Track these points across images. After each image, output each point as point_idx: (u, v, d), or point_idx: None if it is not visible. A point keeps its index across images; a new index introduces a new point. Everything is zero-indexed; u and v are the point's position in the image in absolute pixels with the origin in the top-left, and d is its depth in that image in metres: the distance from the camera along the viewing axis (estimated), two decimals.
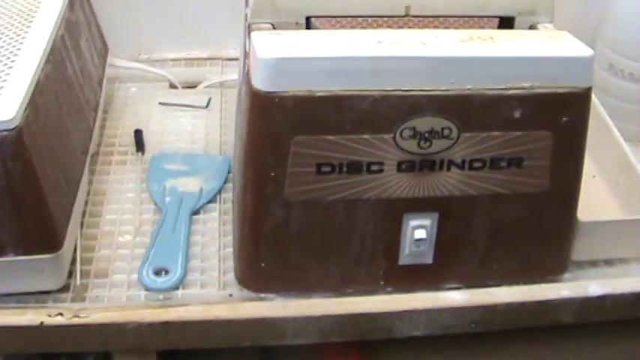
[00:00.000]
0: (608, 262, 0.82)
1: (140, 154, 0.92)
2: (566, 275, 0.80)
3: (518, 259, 0.77)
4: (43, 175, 0.70)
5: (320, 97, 0.67)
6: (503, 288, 0.78)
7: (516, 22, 0.78)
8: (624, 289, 0.79)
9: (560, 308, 0.78)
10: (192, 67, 1.07)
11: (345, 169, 0.70)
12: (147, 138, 0.95)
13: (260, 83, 0.67)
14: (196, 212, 0.85)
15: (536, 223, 0.76)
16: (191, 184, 0.87)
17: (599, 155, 0.91)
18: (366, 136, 0.69)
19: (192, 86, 1.04)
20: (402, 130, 0.69)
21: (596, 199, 0.87)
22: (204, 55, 1.07)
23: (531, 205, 0.74)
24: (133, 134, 0.95)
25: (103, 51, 0.96)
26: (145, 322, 0.74)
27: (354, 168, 0.70)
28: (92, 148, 0.89)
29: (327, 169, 0.70)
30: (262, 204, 0.72)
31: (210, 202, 0.87)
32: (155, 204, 0.86)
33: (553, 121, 0.71)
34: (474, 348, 0.88)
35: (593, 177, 0.90)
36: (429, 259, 0.76)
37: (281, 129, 0.68)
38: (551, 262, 0.79)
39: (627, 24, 0.92)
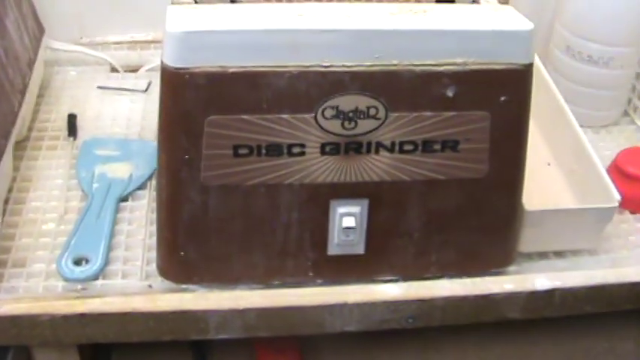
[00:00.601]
0: (559, 254, 0.78)
1: (72, 139, 0.88)
2: (513, 268, 0.76)
3: (458, 250, 0.72)
4: None
5: (233, 73, 0.62)
6: (443, 281, 0.73)
7: None
8: (574, 282, 0.74)
9: (505, 303, 0.73)
10: (135, 51, 1.02)
11: (264, 151, 0.65)
12: (82, 123, 0.90)
13: (169, 59, 0.62)
14: (125, 199, 0.81)
15: (477, 212, 0.71)
16: (121, 170, 0.83)
17: (554, 142, 0.86)
18: (284, 116, 0.64)
19: (134, 70, 1.00)
20: (323, 110, 0.64)
21: (550, 188, 0.82)
22: (149, 38, 1.02)
23: (470, 191, 0.70)
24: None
25: (37, 32, 0.92)
26: (60, 314, 0.69)
27: (274, 150, 0.65)
28: (19, 132, 0.84)
29: (245, 151, 0.65)
30: (178, 189, 0.67)
31: (140, 188, 0.82)
32: (83, 191, 0.81)
33: (490, 100, 0.66)
34: (419, 345, 0.84)
35: (548, 165, 0.85)
36: (360, 250, 0.71)
37: (193, 108, 0.63)
38: (495, 253, 0.74)
39: (585, 5, 0.87)
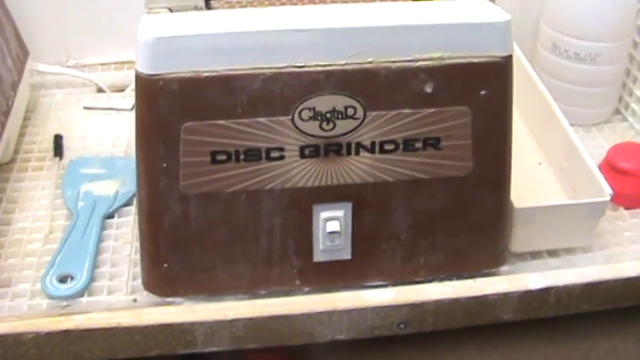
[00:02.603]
0: (552, 253, 0.76)
1: (58, 159, 0.87)
2: (505, 268, 0.74)
3: (447, 252, 0.71)
4: None
5: (206, 77, 0.61)
6: (433, 284, 0.72)
7: None
8: (568, 280, 0.72)
9: (498, 304, 0.72)
10: (121, 71, 1.02)
11: (242, 157, 0.64)
12: (68, 143, 0.90)
13: (142, 66, 0.62)
14: (111, 216, 0.80)
15: (464, 211, 0.69)
16: (107, 188, 0.82)
17: (544, 141, 0.84)
18: (261, 119, 0.63)
19: (121, 90, 1.00)
20: (300, 111, 0.63)
21: (541, 187, 0.81)
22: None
23: (456, 190, 0.68)
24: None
25: (21, 55, 0.92)
26: (44, 331, 0.68)
27: (252, 155, 0.64)
28: (4, 154, 0.84)
29: (223, 157, 0.64)
30: (157, 199, 0.66)
31: (126, 205, 0.81)
32: (68, 209, 0.81)
33: (470, 94, 0.65)
34: (415, 352, 0.82)
35: (539, 164, 0.84)
36: (346, 255, 0.70)
37: (168, 115, 0.63)
38: (486, 253, 0.72)
39: (569, 1, 0.86)
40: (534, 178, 0.82)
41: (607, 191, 0.73)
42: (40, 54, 0.99)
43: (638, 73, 0.92)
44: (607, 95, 0.92)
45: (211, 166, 0.65)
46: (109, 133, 0.92)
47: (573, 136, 0.79)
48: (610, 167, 0.80)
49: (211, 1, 0.71)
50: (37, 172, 0.87)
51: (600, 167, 0.81)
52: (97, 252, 0.76)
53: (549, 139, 0.83)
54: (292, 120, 0.63)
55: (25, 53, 0.94)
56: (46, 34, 1.00)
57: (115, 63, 1.03)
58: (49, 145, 0.90)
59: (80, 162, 0.87)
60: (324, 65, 0.62)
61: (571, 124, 0.81)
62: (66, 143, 0.90)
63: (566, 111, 0.85)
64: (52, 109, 0.97)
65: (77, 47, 1.02)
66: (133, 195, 0.82)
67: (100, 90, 1.00)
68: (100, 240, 0.77)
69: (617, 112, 0.96)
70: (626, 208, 0.81)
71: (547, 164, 0.83)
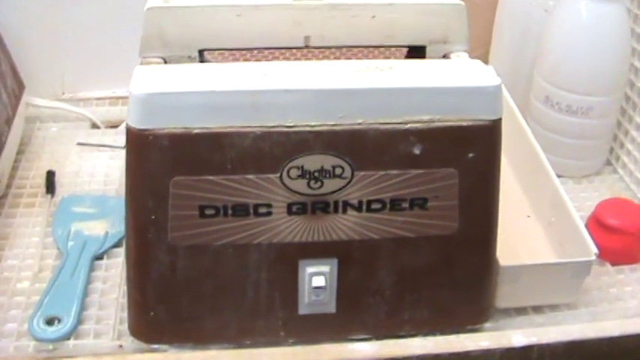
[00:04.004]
0: (537, 310, 0.76)
1: (50, 196, 0.88)
2: (489, 324, 0.74)
3: (431, 308, 0.71)
4: None
5: (197, 134, 0.62)
6: (417, 339, 0.72)
7: (428, 52, 0.74)
8: (551, 338, 0.73)
9: None
10: (116, 106, 1.03)
11: (230, 211, 0.65)
12: (61, 180, 0.91)
13: (133, 120, 0.62)
14: (100, 257, 0.81)
15: (449, 269, 0.70)
16: (97, 228, 0.83)
17: (533, 194, 0.85)
18: (250, 176, 0.63)
19: (115, 125, 1.00)
20: (288, 170, 0.63)
21: (529, 241, 0.81)
22: None
23: (441, 249, 0.69)
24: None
25: (17, 89, 0.92)
26: None
27: (240, 211, 0.65)
28: None
29: (211, 211, 0.65)
30: (146, 249, 0.67)
31: (115, 246, 0.82)
32: (58, 249, 0.81)
33: (458, 157, 0.65)
34: None
35: (528, 217, 0.84)
36: (331, 309, 0.70)
37: (158, 169, 0.63)
38: (470, 310, 0.73)
39: (562, 55, 0.86)
40: (522, 231, 0.82)
41: (593, 250, 0.73)
42: (36, 87, 1.00)
43: (629, 126, 0.93)
44: (598, 148, 0.93)
45: (200, 220, 0.65)
46: (101, 171, 0.93)
47: (562, 192, 0.79)
48: (597, 223, 0.81)
49: (204, 53, 0.72)
50: (28, 208, 0.87)
51: (588, 222, 0.82)
52: (85, 294, 0.76)
53: (538, 192, 0.83)
54: (280, 178, 0.64)
55: (21, 87, 0.95)
56: (43, 67, 1.01)
57: (110, 98, 1.04)
58: (42, 180, 0.90)
59: (71, 200, 0.87)
60: (314, 125, 0.62)
61: (561, 176, 0.81)
62: (58, 179, 0.91)
63: (557, 163, 0.85)
64: (46, 143, 0.97)
65: (73, 81, 1.03)
66: (123, 236, 0.82)
67: (94, 125, 1.00)
68: (88, 282, 0.78)
69: (608, 163, 0.96)
70: (613, 264, 0.82)
71: (535, 217, 0.84)
